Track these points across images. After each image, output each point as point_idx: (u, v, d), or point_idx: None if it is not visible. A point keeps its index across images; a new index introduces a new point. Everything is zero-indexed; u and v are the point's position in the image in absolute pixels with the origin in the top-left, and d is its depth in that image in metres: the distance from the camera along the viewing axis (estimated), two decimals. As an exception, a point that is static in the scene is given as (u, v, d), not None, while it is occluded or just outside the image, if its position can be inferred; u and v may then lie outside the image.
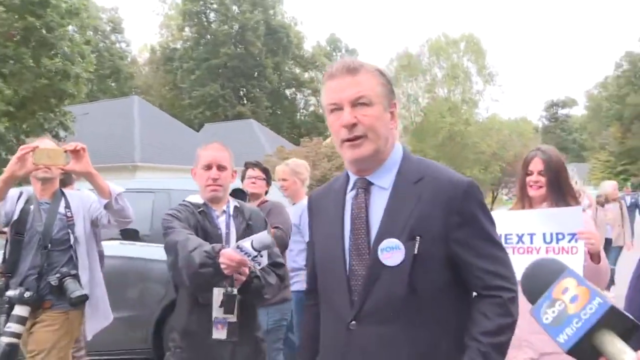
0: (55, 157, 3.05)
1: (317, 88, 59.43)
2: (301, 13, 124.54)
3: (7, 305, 3.24)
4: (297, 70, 57.93)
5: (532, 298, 1.01)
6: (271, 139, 36.68)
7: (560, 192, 3.07)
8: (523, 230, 3.05)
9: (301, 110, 60.96)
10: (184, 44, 54.29)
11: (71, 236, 3.46)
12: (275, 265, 2.76)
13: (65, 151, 3.07)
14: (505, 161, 39.54)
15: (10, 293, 3.25)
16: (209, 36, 52.77)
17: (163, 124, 34.37)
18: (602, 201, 10.19)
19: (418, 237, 1.67)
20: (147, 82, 56.44)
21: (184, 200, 2.90)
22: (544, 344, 2.77)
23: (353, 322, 1.71)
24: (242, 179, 4.65)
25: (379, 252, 1.69)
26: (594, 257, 2.90)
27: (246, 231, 2.78)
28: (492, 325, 1.66)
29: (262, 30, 50.92)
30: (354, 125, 1.71)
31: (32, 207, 3.44)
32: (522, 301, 1.29)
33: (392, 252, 1.68)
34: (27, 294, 3.22)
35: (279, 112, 56.43)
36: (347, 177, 1.89)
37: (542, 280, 1.00)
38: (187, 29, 54.05)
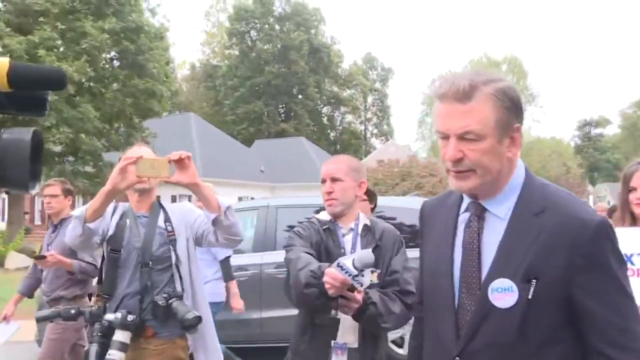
0: (159, 168, 2.77)
1: (356, 106, 60.85)
2: (338, 32, 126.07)
3: (99, 334, 2.90)
4: (336, 89, 59.35)
5: None
6: (321, 156, 37.83)
7: None
8: (633, 250, 2.85)
9: (337, 128, 62.24)
10: (228, 62, 56.02)
11: (172, 253, 3.09)
12: (403, 293, 2.55)
13: (170, 161, 2.77)
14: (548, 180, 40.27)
15: (110, 317, 2.90)
16: (252, 54, 54.50)
17: (218, 140, 35.78)
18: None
19: (534, 280, 1.50)
20: (188, 98, 58.20)
21: (313, 216, 2.79)
22: None
23: (457, 358, 1.61)
24: None
25: (490, 292, 1.56)
26: None
27: (374, 252, 2.52)
28: None
29: (306, 49, 52.51)
30: (459, 159, 1.56)
31: (128, 221, 3.13)
32: None
33: (504, 294, 1.54)
34: (129, 317, 2.90)
35: (315, 129, 57.78)
36: (462, 197, 1.75)
37: None
38: (232, 47, 55.86)
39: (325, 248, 2.61)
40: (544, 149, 42.76)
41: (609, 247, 1.54)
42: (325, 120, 59.97)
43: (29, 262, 7.49)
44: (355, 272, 2.15)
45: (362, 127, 64.93)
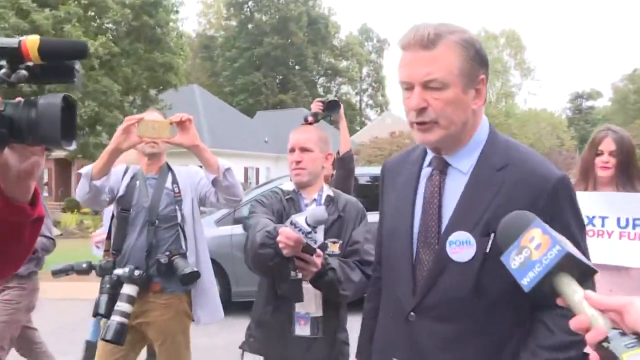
0: (160, 130, 2.87)
1: (352, 77, 61.20)
2: (334, 3, 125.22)
3: (108, 285, 3.07)
4: (333, 60, 59.59)
5: (504, 247, 1.08)
6: (324, 128, 38.20)
7: (628, 176, 2.99)
8: (594, 212, 2.93)
9: (327, 96, 62.41)
10: (225, 33, 55.97)
11: (178, 213, 3.24)
12: (363, 263, 2.51)
13: (171, 123, 2.87)
14: (541, 153, 41.46)
15: (119, 271, 3.06)
16: (250, 26, 54.48)
17: (222, 112, 36.21)
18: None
19: (493, 234, 1.48)
20: (185, 69, 58.07)
21: (277, 186, 2.79)
22: None
23: (412, 313, 1.60)
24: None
25: (447, 245, 1.55)
26: None
27: (335, 223, 2.58)
28: (554, 340, 1.50)
29: (305, 20, 52.65)
30: (423, 109, 1.53)
31: (138, 182, 3.28)
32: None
33: (461, 247, 1.53)
34: (136, 272, 3.04)
35: (312, 100, 58.00)
36: (425, 150, 1.73)
37: (513, 230, 1.08)
38: (230, 18, 55.76)
39: (288, 217, 2.52)
40: (540, 122, 43.69)
41: (567, 202, 1.56)
42: (321, 91, 60.30)
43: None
44: (308, 229, 2.14)
45: (358, 98, 65.40)
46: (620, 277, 2.90)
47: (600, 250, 2.81)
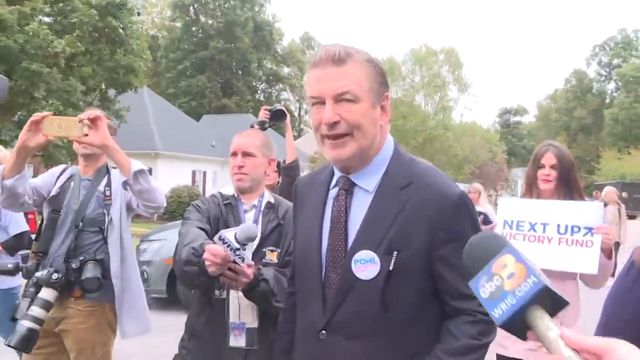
0: (67, 128, 2.69)
1: (294, 84, 62.00)
2: (278, 10, 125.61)
3: (32, 289, 2.91)
4: (275, 67, 60.17)
5: (472, 270, 1.01)
6: (271, 135, 38.75)
7: (569, 187, 3.08)
8: (536, 219, 3.04)
9: (275, 105, 62.87)
10: (168, 34, 55.38)
11: (106, 217, 3.10)
12: None
13: (81, 121, 2.69)
14: (475, 164, 43.77)
15: (38, 274, 2.92)
16: (194, 28, 54.21)
17: (170, 115, 36.03)
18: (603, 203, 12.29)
19: (396, 252, 1.53)
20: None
21: (218, 191, 2.68)
22: None
23: (323, 331, 1.61)
24: None
25: (353, 264, 1.57)
26: (605, 252, 2.95)
27: (275, 230, 2.50)
28: (458, 344, 1.54)
29: (251, 26, 52.94)
30: (335, 122, 1.55)
31: (72, 183, 3.16)
32: None
33: (366, 266, 1.56)
34: (54, 276, 2.87)
35: (253, 105, 58.49)
36: (332, 171, 1.76)
37: (483, 253, 1.01)
38: (175, 19, 55.25)
39: (225, 223, 2.48)
40: (474, 136, 46.02)
41: (468, 219, 1.60)
42: (262, 96, 60.66)
43: None
44: (237, 245, 2.02)
45: (297, 105, 66.22)
46: (563, 285, 2.96)
47: (540, 255, 2.95)
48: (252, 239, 2.10)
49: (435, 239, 1.55)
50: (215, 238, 2.06)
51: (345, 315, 1.60)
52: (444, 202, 1.57)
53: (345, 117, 1.55)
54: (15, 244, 4.37)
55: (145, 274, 8.13)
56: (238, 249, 2.03)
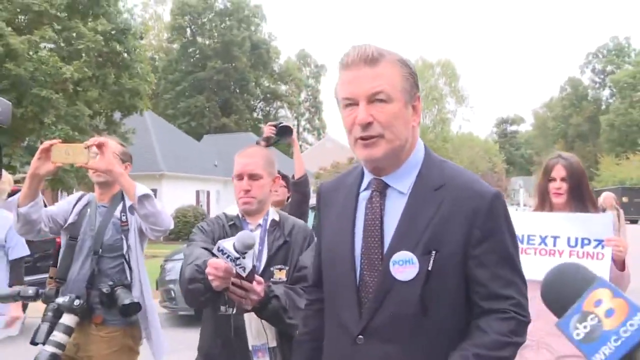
0: (75, 155, 2.77)
1: (291, 101, 62.54)
2: (274, 28, 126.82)
3: (50, 313, 2.96)
4: (273, 86, 60.81)
5: (557, 308, 0.91)
6: (273, 153, 39.01)
7: (581, 199, 3.06)
8: (547, 232, 3.03)
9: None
10: (166, 56, 55.97)
11: (124, 243, 3.17)
12: None
13: (87, 147, 2.77)
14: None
15: (59, 300, 2.97)
16: (191, 49, 54.83)
17: (172, 135, 36.37)
18: (602, 210, 12.09)
19: (434, 252, 1.54)
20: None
21: (223, 212, 2.66)
22: (562, 346, 2.70)
23: (360, 336, 1.59)
24: None
25: (391, 265, 1.56)
26: (618, 264, 2.93)
27: (281, 248, 2.47)
28: (486, 339, 1.51)
29: (248, 45, 53.59)
30: (369, 123, 1.55)
31: (89, 210, 3.24)
32: (540, 300, 1.08)
33: (404, 267, 1.55)
34: (76, 302, 2.94)
35: (252, 124, 58.99)
36: (362, 174, 1.73)
37: (568, 289, 0.91)
38: (174, 41, 55.89)
39: None
40: (474, 147, 46.49)
41: (503, 219, 1.60)
42: (260, 115, 61.16)
43: None
44: (237, 254, 2.01)
45: (295, 122, 66.74)
46: None
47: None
48: (250, 247, 2.06)
49: (471, 238, 1.55)
50: (214, 250, 2.05)
51: (383, 318, 1.57)
52: (480, 201, 1.58)
53: (378, 118, 1.56)
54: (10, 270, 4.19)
55: (172, 292, 8.25)
56: (238, 258, 2.02)
